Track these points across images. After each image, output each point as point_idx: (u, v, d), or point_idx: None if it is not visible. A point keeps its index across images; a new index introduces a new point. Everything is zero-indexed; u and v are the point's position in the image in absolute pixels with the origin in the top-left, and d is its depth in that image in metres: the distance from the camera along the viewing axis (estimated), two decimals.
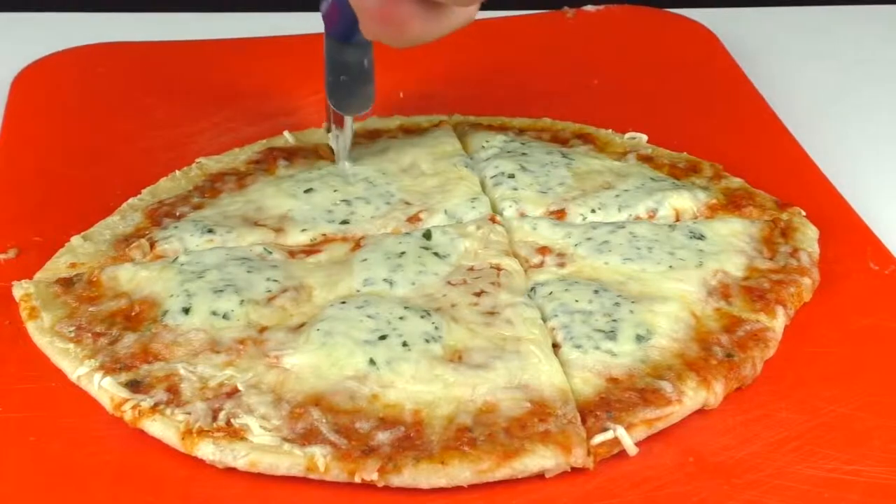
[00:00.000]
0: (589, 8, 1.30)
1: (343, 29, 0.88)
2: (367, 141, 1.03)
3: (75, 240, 0.90)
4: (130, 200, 0.95)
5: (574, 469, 0.71)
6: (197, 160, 1.00)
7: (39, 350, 0.80)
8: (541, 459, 0.70)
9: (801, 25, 1.35)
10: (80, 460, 0.72)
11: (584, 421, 0.73)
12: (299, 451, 0.70)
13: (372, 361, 0.76)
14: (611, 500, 0.70)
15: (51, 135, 1.06)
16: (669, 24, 1.28)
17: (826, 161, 1.03)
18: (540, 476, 0.71)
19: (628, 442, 0.72)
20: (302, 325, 0.80)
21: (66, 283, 0.84)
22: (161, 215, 0.93)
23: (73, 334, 0.80)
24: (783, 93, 1.17)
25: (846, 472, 0.71)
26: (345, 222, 0.91)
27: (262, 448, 0.70)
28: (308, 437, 0.71)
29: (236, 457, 0.70)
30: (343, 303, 0.81)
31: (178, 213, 0.93)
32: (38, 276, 0.86)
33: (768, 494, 0.70)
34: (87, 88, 1.15)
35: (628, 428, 0.73)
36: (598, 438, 0.72)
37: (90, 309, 0.82)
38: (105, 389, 0.75)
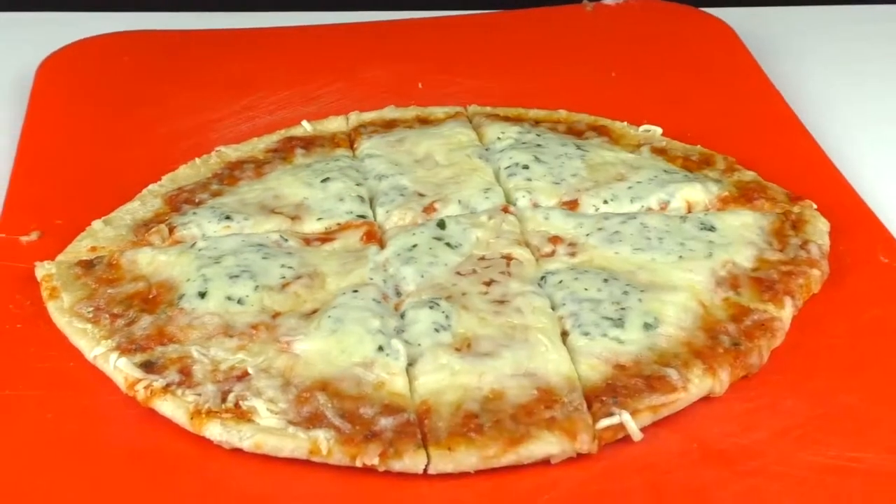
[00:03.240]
0: (608, 2, 1.31)
1: None
2: (383, 130, 1.04)
3: (96, 224, 0.91)
4: (150, 186, 0.97)
5: (579, 454, 0.72)
6: (216, 148, 1.02)
7: (58, 330, 0.81)
8: (546, 445, 0.71)
9: (820, 23, 1.35)
10: (95, 438, 0.74)
11: (589, 406, 0.74)
12: (303, 434, 0.71)
13: (381, 348, 0.77)
14: (615, 483, 0.71)
15: (73, 121, 1.08)
16: (688, 19, 1.28)
17: (839, 156, 1.03)
18: (545, 460, 0.72)
19: (633, 427, 0.73)
20: (314, 311, 0.81)
21: (87, 265, 0.86)
22: (180, 202, 0.94)
23: (91, 315, 0.82)
24: (799, 88, 1.17)
25: (849, 458, 0.72)
26: (361, 216, 0.92)
27: (268, 430, 0.72)
28: (313, 420, 0.72)
29: (242, 438, 0.72)
30: (355, 291, 0.82)
31: (196, 200, 0.94)
32: (59, 258, 0.88)
33: (771, 480, 0.70)
34: (111, 76, 1.16)
35: (633, 414, 0.73)
36: (603, 423, 0.73)
37: (109, 291, 0.84)
38: (119, 369, 0.77)
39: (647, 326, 0.80)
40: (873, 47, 1.30)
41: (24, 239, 0.91)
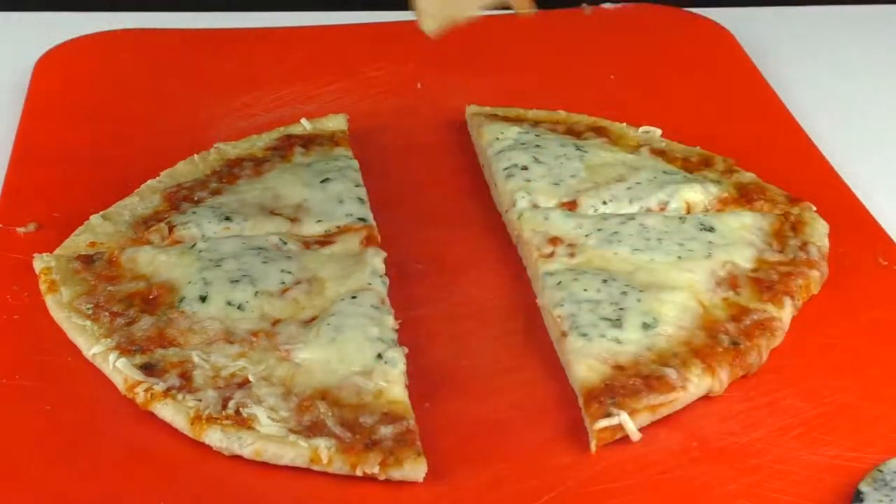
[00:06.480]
0: (607, 6, 1.31)
1: None
2: None
3: (94, 219, 0.91)
4: (149, 182, 0.96)
5: (579, 453, 0.72)
6: (215, 145, 1.01)
7: (56, 324, 0.81)
8: None
9: (816, 24, 1.35)
10: (92, 433, 0.74)
11: (587, 406, 0.74)
12: (304, 442, 0.71)
13: (379, 356, 0.77)
14: (615, 483, 0.71)
15: (72, 115, 1.08)
16: (686, 22, 1.29)
17: (837, 157, 1.03)
18: (545, 459, 0.72)
19: (631, 427, 0.73)
20: (313, 318, 0.81)
21: (87, 261, 0.86)
22: (179, 199, 0.94)
23: (90, 311, 0.81)
24: (796, 90, 1.17)
25: (848, 458, 0.72)
26: (361, 219, 0.92)
27: (268, 438, 0.72)
28: (314, 429, 0.72)
29: (242, 445, 0.71)
30: (354, 297, 0.82)
31: (196, 198, 0.94)
32: (58, 251, 0.87)
33: (770, 479, 0.71)
34: (109, 72, 1.16)
35: (632, 413, 0.73)
36: (602, 423, 0.73)
37: (108, 288, 0.83)
38: (119, 370, 0.76)
39: (645, 326, 0.80)
40: (872, 48, 1.30)
41: (21, 230, 0.90)
